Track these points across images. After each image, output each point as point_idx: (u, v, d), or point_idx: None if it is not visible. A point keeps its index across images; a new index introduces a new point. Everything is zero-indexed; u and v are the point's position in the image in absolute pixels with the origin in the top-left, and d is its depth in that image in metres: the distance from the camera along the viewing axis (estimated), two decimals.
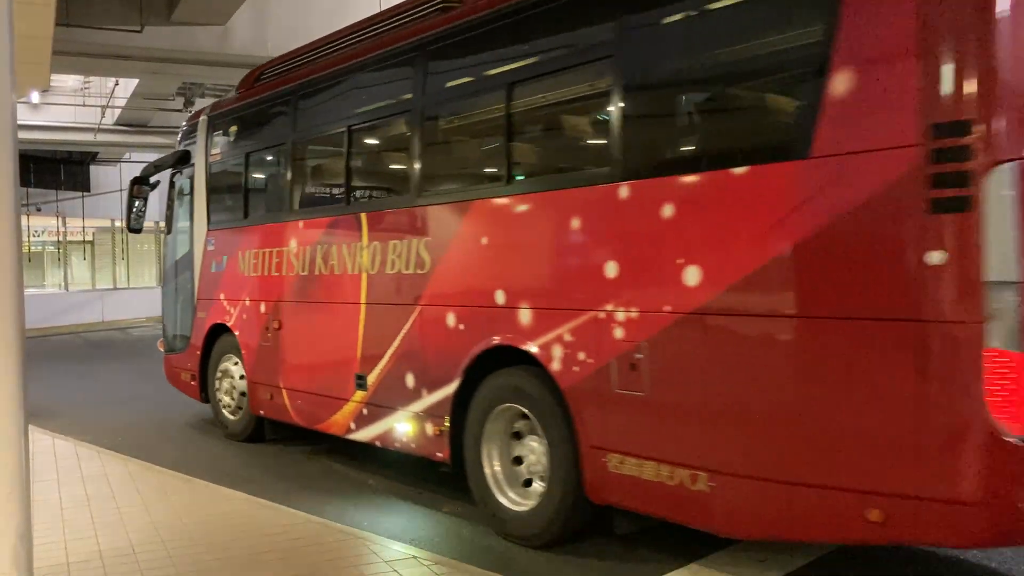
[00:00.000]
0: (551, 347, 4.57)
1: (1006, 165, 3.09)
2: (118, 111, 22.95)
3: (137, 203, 8.78)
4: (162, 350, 9.10)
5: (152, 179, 8.89)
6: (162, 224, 9.11)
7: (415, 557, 4.31)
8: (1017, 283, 3.11)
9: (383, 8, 14.67)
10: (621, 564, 4.51)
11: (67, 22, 12.35)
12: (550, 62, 4.85)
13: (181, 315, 8.55)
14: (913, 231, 3.23)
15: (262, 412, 7.28)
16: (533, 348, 4.65)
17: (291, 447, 7.42)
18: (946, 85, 3.17)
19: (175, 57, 14.99)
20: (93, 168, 32.37)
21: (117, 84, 22.17)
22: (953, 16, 3.16)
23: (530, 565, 4.51)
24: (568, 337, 4.49)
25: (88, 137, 24.24)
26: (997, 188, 3.09)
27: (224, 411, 7.89)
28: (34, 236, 34.11)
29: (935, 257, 3.18)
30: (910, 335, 3.26)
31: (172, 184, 8.80)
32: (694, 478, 3.93)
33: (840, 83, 3.43)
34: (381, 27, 6.32)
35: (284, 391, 6.92)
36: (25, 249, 28.02)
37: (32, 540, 3.14)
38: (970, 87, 3.12)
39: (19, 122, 3.30)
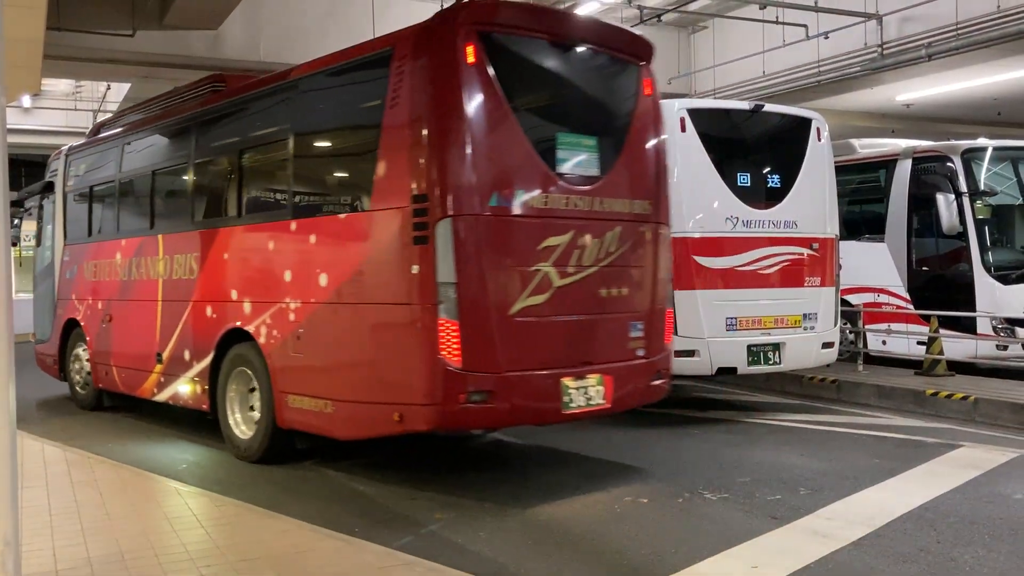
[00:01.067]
0: (259, 328, 6.84)
1: (445, 219, 5.46)
2: (110, 116, 22.88)
3: (14, 222, 11.62)
4: (32, 341, 11.08)
5: (26, 203, 11.33)
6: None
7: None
8: (453, 283, 5.44)
9: (374, 13, 14.69)
10: (621, 568, 4.50)
11: (59, 26, 12.27)
12: (260, 137, 7.38)
13: (47, 312, 10.65)
14: (408, 254, 5.62)
15: (101, 385, 9.45)
16: (251, 329, 6.91)
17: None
18: (418, 176, 5.61)
19: (167, 61, 14.92)
20: None
21: (109, 88, 22.08)
22: (423, 139, 5.61)
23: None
24: (268, 320, 6.77)
25: (80, 142, 24.16)
26: (442, 231, 5.46)
27: (76, 387, 10.05)
28: (25, 241, 33.95)
29: (415, 269, 5.56)
30: (407, 313, 5.63)
31: (41, 207, 11.00)
32: (326, 405, 6.23)
33: (381, 169, 5.89)
34: (176, 99, 8.79)
35: (114, 368, 9.09)
36: (16, 254, 27.95)
37: (20, 546, 3.12)
38: (427, 177, 5.56)
39: (10, 126, 3.29)
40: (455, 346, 5.43)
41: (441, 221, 5.45)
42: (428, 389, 5.52)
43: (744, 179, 8.53)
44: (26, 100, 22.24)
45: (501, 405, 5.60)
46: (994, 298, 10.16)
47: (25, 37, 9.02)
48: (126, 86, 19.53)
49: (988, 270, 10.23)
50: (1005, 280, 10.26)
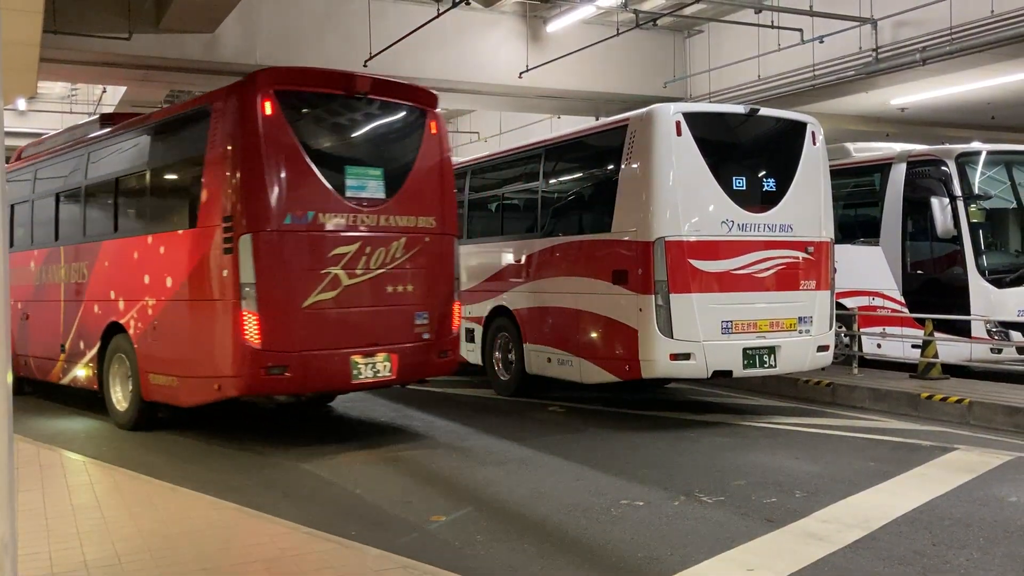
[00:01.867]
0: (129, 321, 8.52)
1: (245, 235, 7.12)
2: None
3: None
4: None
5: None
6: None
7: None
8: (252, 283, 7.12)
9: (370, 16, 14.67)
10: (617, 571, 4.51)
11: (55, 29, 12.28)
12: (129, 167, 9.01)
13: None
14: (220, 261, 7.29)
15: (21, 374, 10.78)
16: (124, 322, 8.60)
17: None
18: (227, 202, 7.29)
19: (163, 64, 14.91)
20: None
21: (105, 91, 22.07)
22: (230, 174, 7.30)
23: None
24: (135, 315, 8.44)
25: None
26: (243, 244, 7.12)
27: None
28: None
29: (225, 272, 7.24)
30: (221, 306, 7.31)
31: None
32: (172, 380, 7.92)
33: (204, 196, 7.58)
34: (75, 131, 10.66)
35: (31, 358, 10.63)
36: None
37: (16, 550, 3.12)
38: (232, 203, 7.25)
39: (6, 129, 3.30)
40: (256, 331, 7.12)
41: (242, 236, 7.16)
42: (236, 364, 7.23)
43: (739, 183, 8.55)
44: (21, 103, 22.23)
45: (297, 376, 7.30)
46: (988, 301, 10.20)
47: (22, 40, 9.03)
48: (122, 89, 19.51)
49: (982, 273, 10.27)
50: (999, 283, 10.29)
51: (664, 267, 8.12)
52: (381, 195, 7.82)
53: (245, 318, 7.08)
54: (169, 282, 7.95)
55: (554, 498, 5.90)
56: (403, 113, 8.29)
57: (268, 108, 7.29)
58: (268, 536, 4.80)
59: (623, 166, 8.62)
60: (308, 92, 7.82)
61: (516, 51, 16.61)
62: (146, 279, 8.25)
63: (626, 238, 8.47)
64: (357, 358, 7.53)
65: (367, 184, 7.75)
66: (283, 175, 7.31)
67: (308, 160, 7.43)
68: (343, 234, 7.53)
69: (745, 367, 8.38)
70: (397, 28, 14.76)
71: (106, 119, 9.97)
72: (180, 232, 7.95)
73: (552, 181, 10.19)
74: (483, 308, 10.77)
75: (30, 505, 5.39)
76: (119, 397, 8.70)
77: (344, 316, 7.54)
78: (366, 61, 14.89)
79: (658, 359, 8.15)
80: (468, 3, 13.22)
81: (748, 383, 10.51)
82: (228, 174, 7.32)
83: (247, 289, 7.09)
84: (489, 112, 24.10)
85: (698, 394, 10.55)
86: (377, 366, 7.65)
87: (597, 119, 15.42)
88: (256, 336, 7.10)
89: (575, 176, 10.29)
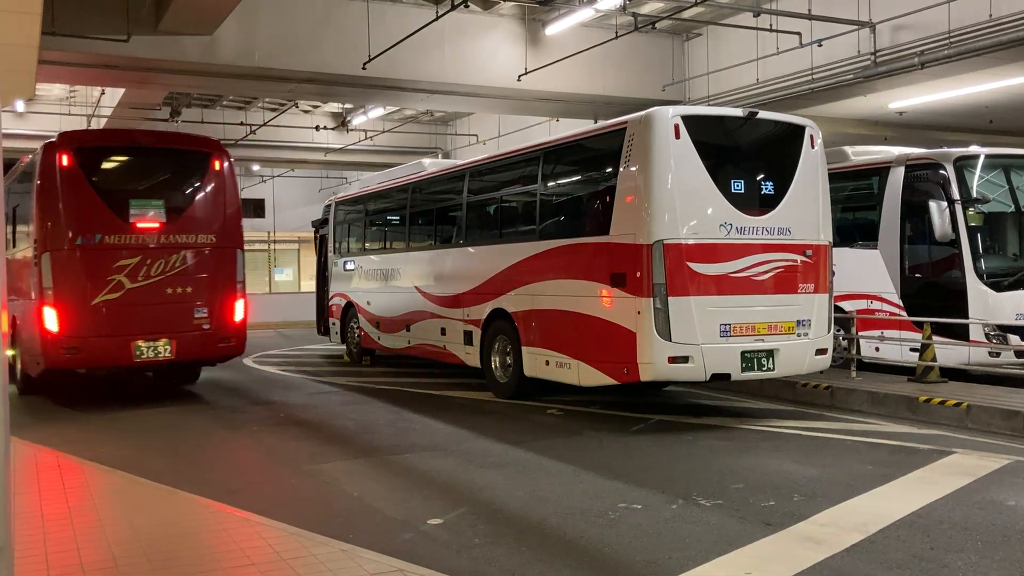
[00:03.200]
0: (15, 315, 10.96)
1: (45, 253, 9.99)
2: (104, 120, 22.83)
3: None
4: None
5: None
6: None
7: None
8: (51, 287, 9.92)
9: (369, 19, 14.65)
10: (614, 575, 4.51)
11: (53, 31, 12.26)
12: (9, 200, 11.23)
13: None
14: (33, 272, 10.23)
15: None
16: (15, 315, 11.05)
17: None
18: (36, 229, 10.20)
19: (162, 67, 14.89)
20: None
21: (103, 93, 22.04)
22: (39, 208, 10.26)
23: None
24: (17, 311, 10.92)
25: None
26: (44, 259, 10.01)
27: None
28: None
29: (34, 280, 10.09)
30: (35, 304, 10.07)
31: None
32: (31, 358, 10.40)
33: (32, 227, 10.33)
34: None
35: None
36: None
37: (13, 552, 3.11)
38: (39, 230, 10.16)
39: (4, 131, 3.31)
40: (54, 322, 9.76)
41: (43, 254, 9.89)
42: (43, 346, 9.84)
43: (738, 186, 8.55)
44: (19, 105, 22.19)
45: (87, 355, 9.89)
46: (986, 305, 10.19)
47: (20, 42, 9.00)
48: (120, 91, 19.49)
49: (980, 277, 10.26)
50: (997, 287, 10.29)
51: (662, 270, 8.12)
52: (162, 219, 10.44)
53: (47, 312, 9.76)
54: (24, 287, 10.74)
55: (552, 501, 5.90)
56: (185, 156, 11.01)
57: (65, 161, 10.01)
58: (265, 539, 4.79)
59: (621, 169, 8.61)
60: (100, 147, 10.74)
61: (515, 54, 16.62)
62: (27, 287, 10.87)
63: (624, 241, 8.47)
64: (140, 342, 10.07)
65: (149, 212, 10.38)
66: (75, 208, 9.95)
67: (97, 196, 10.10)
68: (127, 249, 10.09)
69: (743, 370, 8.38)
70: (396, 30, 14.76)
71: (8, 166, 12.88)
72: (23, 250, 10.84)
73: (550, 184, 10.19)
74: (481, 311, 10.76)
75: (27, 508, 5.37)
76: (17, 371, 11.48)
77: (128, 311, 10.00)
78: (365, 64, 14.89)
79: (656, 362, 8.15)
80: (467, 6, 13.21)
81: (746, 386, 10.51)
82: (37, 209, 10.07)
83: (48, 291, 9.80)
84: (488, 115, 24.11)
85: (696, 397, 10.55)
86: (158, 348, 10.17)
87: (596, 122, 15.43)
88: (55, 325, 9.77)
89: (573, 179, 10.29)
